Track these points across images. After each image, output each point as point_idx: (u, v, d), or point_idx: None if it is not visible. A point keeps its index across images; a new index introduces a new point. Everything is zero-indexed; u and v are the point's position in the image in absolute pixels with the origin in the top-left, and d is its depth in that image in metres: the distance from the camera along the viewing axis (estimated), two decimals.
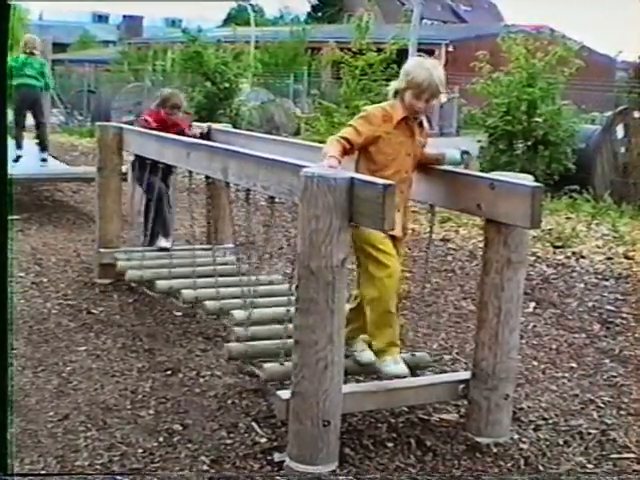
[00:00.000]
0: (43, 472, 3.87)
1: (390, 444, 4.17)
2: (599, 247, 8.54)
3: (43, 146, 11.47)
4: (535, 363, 5.49)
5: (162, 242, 6.93)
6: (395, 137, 4.11)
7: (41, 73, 11.20)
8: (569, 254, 8.26)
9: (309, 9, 65.18)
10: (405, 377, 4.14)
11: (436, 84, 4.07)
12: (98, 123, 7.73)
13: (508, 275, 4.06)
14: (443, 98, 4.29)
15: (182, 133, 7.04)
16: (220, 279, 5.56)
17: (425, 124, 4.29)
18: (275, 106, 22.24)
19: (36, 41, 11.31)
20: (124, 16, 60.98)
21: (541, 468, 4.01)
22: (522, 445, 4.23)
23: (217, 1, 33.34)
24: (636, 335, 6.09)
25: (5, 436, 3.28)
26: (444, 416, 4.52)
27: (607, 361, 5.57)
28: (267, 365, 4.33)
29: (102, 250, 6.96)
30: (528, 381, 5.15)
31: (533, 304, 6.70)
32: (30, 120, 11.65)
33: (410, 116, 4.15)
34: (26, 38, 11.38)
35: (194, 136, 6.98)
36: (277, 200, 4.66)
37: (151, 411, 4.54)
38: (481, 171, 4.33)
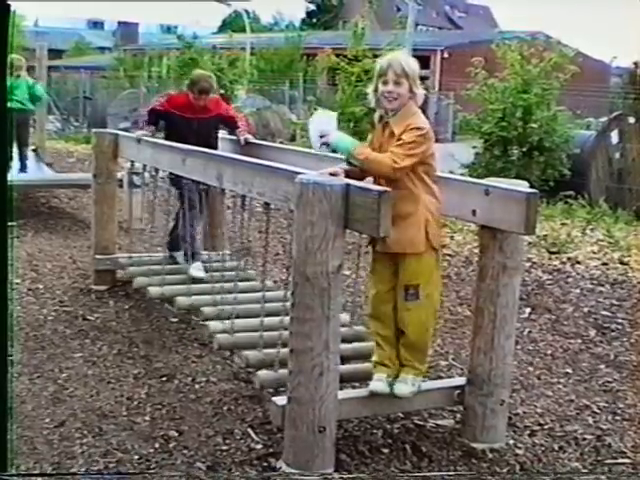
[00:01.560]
0: (43, 472, 3.89)
1: (386, 450, 4.18)
2: (594, 253, 8.55)
3: (23, 163, 11.46)
4: (530, 369, 5.50)
5: (194, 272, 6.24)
6: (371, 146, 4.07)
7: (29, 95, 11.22)
8: (564, 260, 8.27)
9: (304, 15, 65.34)
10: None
11: (398, 61, 3.98)
12: (94, 130, 7.70)
13: (503, 281, 4.07)
14: (420, 91, 4.03)
15: (223, 118, 6.78)
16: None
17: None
18: (271, 112, 22.19)
19: (22, 61, 11.29)
20: (119, 23, 60.97)
21: (536, 473, 4.02)
22: (518, 451, 4.24)
23: (211, 0, 33.16)
24: (631, 340, 6.10)
25: (5, 436, 3.28)
26: (440, 422, 4.52)
27: (602, 367, 5.58)
28: (261, 372, 4.36)
29: (98, 256, 6.96)
30: (523, 387, 5.15)
31: (528, 310, 6.71)
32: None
33: (384, 115, 4.04)
34: (11, 59, 11.32)
35: (242, 140, 6.68)
36: (273, 206, 4.67)
37: (147, 417, 4.55)
38: (476, 177, 4.24)
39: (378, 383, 4.09)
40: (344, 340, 4.65)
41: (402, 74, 3.96)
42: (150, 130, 6.59)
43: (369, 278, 4.22)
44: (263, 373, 4.34)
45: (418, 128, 3.91)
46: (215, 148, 6.58)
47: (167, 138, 6.56)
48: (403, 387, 4.09)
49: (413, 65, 4.03)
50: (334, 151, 4.12)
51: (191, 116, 6.54)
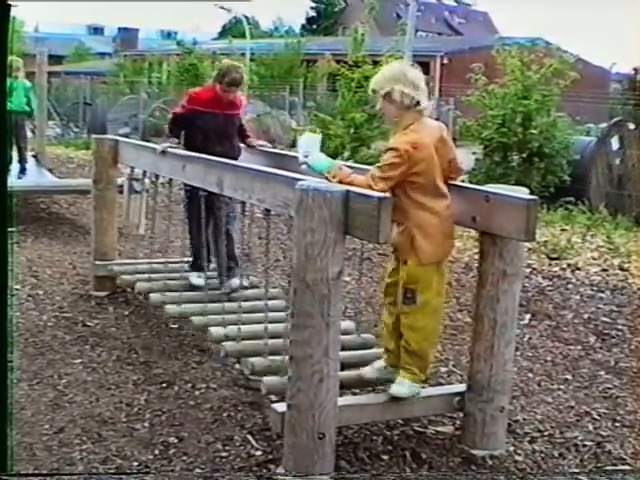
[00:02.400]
0: (44, 472, 3.88)
1: (385, 457, 4.17)
2: (594, 259, 8.54)
3: (23, 166, 11.50)
4: (530, 375, 5.49)
5: (194, 279, 6.15)
6: None
7: (27, 97, 11.26)
8: (564, 266, 8.26)
9: (304, 21, 65.48)
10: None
11: (371, 81, 4.04)
12: (94, 136, 7.68)
13: (503, 287, 4.07)
14: (423, 98, 3.93)
15: (236, 117, 6.28)
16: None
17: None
18: (271, 118, 22.21)
19: (19, 62, 11.28)
20: (119, 28, 61.12)
21: None
22: (517, 457, 4.23)
23: (206, 1, 33.30)
24: (631, 347, 6.10)
25: (5, 435, 3.28)
26: (439, 428, 4.52)
27: (602, 373, 5.58)
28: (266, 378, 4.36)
29: (98, 262, 6.96)
30: (523, 393, 5.15)
31: (528, 316, 6.70)
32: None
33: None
34: (9, 61, 11.28)
35: (251, 145, 6.34)
36: (273, 212, 4.67)
37: (146, 424, 4.54)
38: (476, 183, 4.26)
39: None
40: (350, 348, 4.69)
41: (373, 92, 4.02)
42: (173, 142, 6.11)
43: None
44: (269, 379, 4.34)
45: (393, 149, 3.85)
46: (239, 148, 6.29)
47: (188, 137, 6.17)
48: (400, 388, 4.09)
49: (384, 77, 3.98)
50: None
51: (217, 111, 6.07)
